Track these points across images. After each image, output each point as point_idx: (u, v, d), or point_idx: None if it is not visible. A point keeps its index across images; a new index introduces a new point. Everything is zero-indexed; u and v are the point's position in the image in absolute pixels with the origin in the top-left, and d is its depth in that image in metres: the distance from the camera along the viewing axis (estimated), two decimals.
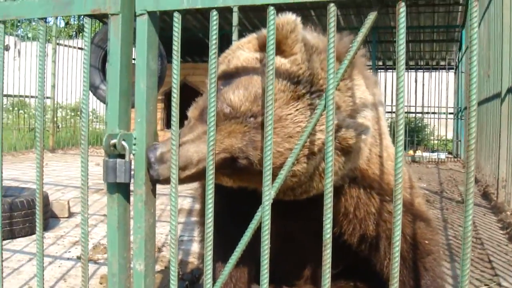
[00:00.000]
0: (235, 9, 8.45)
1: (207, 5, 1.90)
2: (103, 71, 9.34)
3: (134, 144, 2.01)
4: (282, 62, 2.30)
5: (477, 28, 1.65)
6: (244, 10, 14.87)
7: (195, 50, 20.17)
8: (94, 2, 2.06)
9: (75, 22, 34.72)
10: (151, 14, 2.01)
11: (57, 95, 17.89)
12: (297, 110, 2.24)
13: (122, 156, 2.00)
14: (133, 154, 2.01)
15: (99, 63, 9.41)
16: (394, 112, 19.48)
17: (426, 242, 2.92)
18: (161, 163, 2.05)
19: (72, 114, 22.14)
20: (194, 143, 2.18)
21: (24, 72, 17.29)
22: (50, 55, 17.02)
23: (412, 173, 3.13)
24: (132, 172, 2.03)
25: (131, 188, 2.08)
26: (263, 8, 1.83)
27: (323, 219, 1.79)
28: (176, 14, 1.97)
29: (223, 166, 2.25)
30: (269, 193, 1.84)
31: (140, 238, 2.05)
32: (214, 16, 1.90)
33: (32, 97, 18.13)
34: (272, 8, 1.82)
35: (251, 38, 2.58)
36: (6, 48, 15.64)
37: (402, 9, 1.70)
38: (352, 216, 2.80)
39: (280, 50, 2.29)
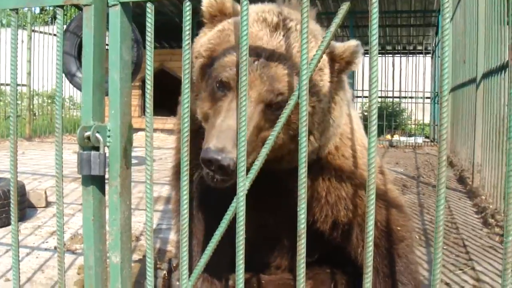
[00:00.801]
0: None
1: None
2: (79, 58, 9.25)
3: (109, 136, 2.00)
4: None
5: (449, 19, 1.66)
6: None
7: (172, 36, 20.05)
8: None
9: (51, 8, 34.32)
10: (123, 4, 2.00)
11: (33, 82, 17.64)
12: None
13: (96, 148, 1.98)
14: (108, 146, 2.01)
15: (75, 51, 9.32)
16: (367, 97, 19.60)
17: (399, 228, 2.94)
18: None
19: (49, 101, 21.89)
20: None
21: (0, 60, 17.07)
22: (26, 42, 16.80)
23: (382, 159, 3.16)
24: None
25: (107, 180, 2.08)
26: None
27: (298, 189, 1.79)
28: (149, 5, 1.95)
29: None
30: (243, 184, 1.85)
31: (115, 230, 2.05)
32: (188, 7, 1.89)
33: (7, 85, 17.90)
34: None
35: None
36: None
37: None
38: (324, 202, 2.83)
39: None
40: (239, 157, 1.83)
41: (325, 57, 2.43)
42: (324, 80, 2.44)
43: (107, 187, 2.07)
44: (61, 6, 2.10)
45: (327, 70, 2.47)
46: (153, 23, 1.97)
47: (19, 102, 19.84)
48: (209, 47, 2.46)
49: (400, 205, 3.03)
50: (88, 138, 1.96)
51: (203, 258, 1.97)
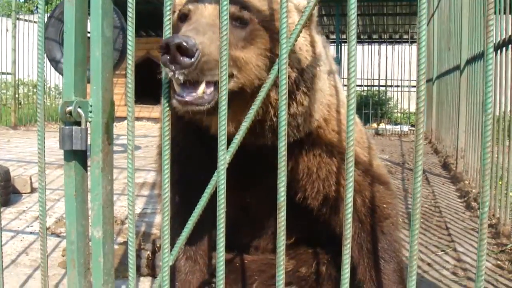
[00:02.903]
0: None
1: None
2: (63, 44, 9.20)
3: (90, 112, 2.01)
4: None
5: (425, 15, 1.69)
6: None
7: (158, 24, 19.90)
8: None
9: None
10: None
11: (18, 71, 17.53)
12: None
13: (78, 123, 2.00)
14: (89, 122, 2.02)
15: (59, 37, 9.26)
16: (360, 85, 19.72)
17: (385, 206, 2.93)
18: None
19: (34, 90, 21.74)
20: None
21: None
22: (10, 30, 16.68)
23: (370, 137, 3.16)
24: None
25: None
26: None
27: (277, 161, 1.81)
28: None
29: None
30: (224, 157, 1.87)
31: (98, 205, 2.07)
32: None
33: None
34: None
35: None
36: None
37: None
38: (316, 177, 2.81)
39: None
40: (220, 120, 1.85)
41: (294, 11, 2.45)
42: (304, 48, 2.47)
43: (89, 163, 2.09)
44: None
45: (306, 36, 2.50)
46: (134, 8, 1.96)
47: (4, 91, 19.74)
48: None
49: (387, 182, 3.02)
50: (70, 113, 1.97)
51: (184, 232, 1.99)
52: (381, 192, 2.94)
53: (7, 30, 16.46)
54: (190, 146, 2.85)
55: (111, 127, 2.07)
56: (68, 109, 1.97)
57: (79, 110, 1.97)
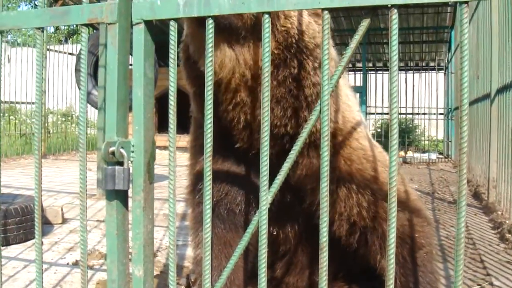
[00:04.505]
0: None
1: (203, 14, 1.93)
2: (94, 76, 9.36)
3: (132, 151, 2.04)
4: None
5: (467, 33, 1.69)
6: None
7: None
8: (91, 12, 2.09)
9: (65, 28, 34.65)
10: (147, 22, 2.04)
11: (48, 100, 17.82)
12: None
13: (120, 163, 2.02)
14: (131, 161, 2.04)
15: (90, 69, 9.44)
16: (387, 114, 19.67)
17: (417, 235, 2.85)
18: None
19: (63, 119, 22.07)
20: None
21: (14, 78, 17.25)
22: (42, 55, 16.95)
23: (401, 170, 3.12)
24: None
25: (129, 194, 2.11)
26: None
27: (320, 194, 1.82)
28: (172, 23, 2.00)
29: None
30: (266, 198, 1.87)
31: (138, 244, 2.08)
32: (210, 24, 1.93)
33: (22, 103, 18.10)
34: (267, 16, 1.86)
35: None
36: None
37: (394, 15, 1.74)
38: (336, 197, 2.77)
39: None
40: (262, 166, 1.86)
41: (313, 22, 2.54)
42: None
43: (130, 201, 2.10)
44: (86, 25, 2.15)
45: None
46: (176, 41, 2.01)
47: (33, 120, 20.06)
48: None
49: (418, 208, 2.95)
50: (113, 153, 1.99)
51: (225, 271, 1.99)
52: (412, 221, 2.85)
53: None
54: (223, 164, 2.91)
55: (152, 166, 2.09)
56: (111, 149, 1.99)
57: (121, 150, 2.00)
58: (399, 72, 19.98)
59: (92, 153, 17.03)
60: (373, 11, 1.83)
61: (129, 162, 2.03)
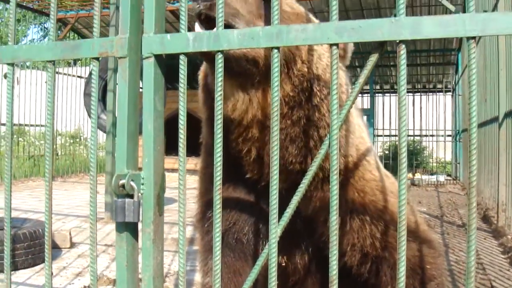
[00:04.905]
0: None
1: (212, 48, 1.95)
2: (103, 100, 9.42)
3: (142, 184, 2.05)
4: None
5: (475, 69, 1.70)
6: None
7: (193, 77, 20.25)
8: (101, 46, 2.11)
9: None
10: (157, 56, 2.06)
11: (56, 122, 17.92)
12: None
13: (130, 195, 2.03)
14: (141, 194, 2.05)
15: (99, 93, 9.50)
16: (395, 136, 19.67)
17: (428, 266, 2.82)
18: None
19: (71, 141, 22.18)
20: None
21: (23, 100, 17.39)
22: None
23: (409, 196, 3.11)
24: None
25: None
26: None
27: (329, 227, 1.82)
28: (182, 57, 2.02)
29: None
30: (275, 231, 1.88)
31: (148, 276, 2.08)
32: (220, 59, 1.95)
33: (31, 125, 18.21)
34: (276, 50, 1.88)
35: None
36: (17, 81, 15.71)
37: (402, 51, 1.76)
38: (349, 227, 2.76)
39: None
40: (271, 199, 1.87)
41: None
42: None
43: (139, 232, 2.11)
44: (96, 58, 2.17)
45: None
46: (185, 74, 2.03)
47: (42, 141, 20.17)
48: None
49: (429, 239, 2.92)
50: (123, 186, 2.01)
51: None
52: (423, 252, 2.83)
53: (45, 82, 16.88)
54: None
55: (162, 198, 2.10)
56: (121, 182, 2.01)
57: (132, 183, 2.01)
58: (407, 94, 20.14)
59: (100, 175, 17.09)
60: (381, 46, 1.85)
61: (139, 194, 2.04)
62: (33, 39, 42.39)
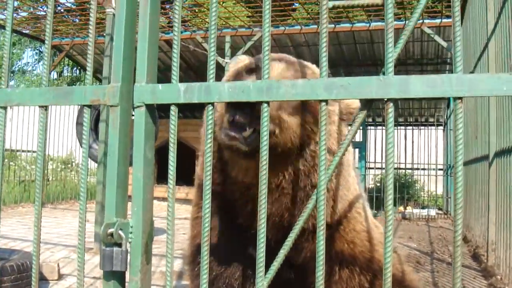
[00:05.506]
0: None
1: (204, 100, 1.98)
2: (95, 130, 9.44)
3: (131, 232, 2.05)
4: None
5: (462, 128, 1.73)
6: None
7: (185, 106, 20.29)
8: (94, 94, 2.13)
9: (68, 75, 35.03)
10: (148, 106, 2.08)
11: (48, 148, 17.87)
12: None
13: (118, 244, 2.03)
14: (129, 242, 2.05)
15: (92, 123, 9.52)
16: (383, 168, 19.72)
17: None
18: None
19: (63, 167, 22.08)
20: None
21: (16, 125, 17.37)
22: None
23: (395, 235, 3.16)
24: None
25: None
26: None
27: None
28: (173, 107, 2.04)
29: None
30: (262, 284, 1.88)
31: None
32: (210, 111, 1.97)
33: (23, 151, 18.16)
34: (265, 105, 1.90)
35: None
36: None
37: (390, 109, 1.79)
38: (338, 277, 2.80)
39: None
40: (258, 251, 1.88)
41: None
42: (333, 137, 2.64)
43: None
44: (88, 106, 2.19)
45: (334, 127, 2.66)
46: (176, 124, 2.05)
47: (33, 166, 20.07)
48: None
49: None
50: (111, 234, 2.01)
51: None
52: None
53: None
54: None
55: (150, 247, 2.10)
56: (110, 231, 2.01)
57: (120, 232, 2.01)
58: (399, 127, 20.30)
59: (91, 202, 17.01)
60: (370, 103, 1.88)
61: (128, 243, 2.04)
62: (28, 63, 42.53)
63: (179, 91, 2.01)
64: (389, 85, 1.77)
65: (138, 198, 2.07)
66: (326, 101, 1.84)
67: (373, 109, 20.12)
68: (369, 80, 1.79)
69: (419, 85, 1.75)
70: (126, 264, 2.04)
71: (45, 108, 2.29)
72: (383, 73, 1.79)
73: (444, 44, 12.70)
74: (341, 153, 1.89)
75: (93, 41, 2.24)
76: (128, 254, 2.06)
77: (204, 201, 1.95)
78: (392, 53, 1.78)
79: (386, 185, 1.77)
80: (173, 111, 2.04)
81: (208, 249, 1.95)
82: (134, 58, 2.15)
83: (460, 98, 1.72)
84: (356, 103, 2.76)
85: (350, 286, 2.79)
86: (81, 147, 9.17)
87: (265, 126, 1.89)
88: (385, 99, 1.78)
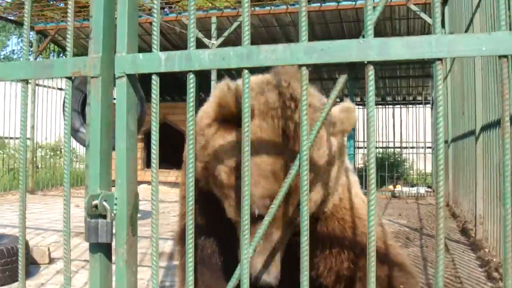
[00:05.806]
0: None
1: (184, 69, 1.96)
2: (82, 114, 9.39)
3: (115, 204, 2.05)
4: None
5: (442, 90, 1.73)
6: None
7: (174, 89, 20.29)
8: (74, 65, 2.12)
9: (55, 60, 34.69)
10: (130, 76, 2.07)
11: (37, 135, 17.76)
12: None
13: (103, 216, 2.03)
14: (114, 214, 2.05)
15: (78, 106, 9.46)
16: (378, 148, 19.78)
17: (402, 286, 2.90)
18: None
19: (52, 154, 21.94)
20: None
21: (3, 112, 17.25)
22: (30, 96, 16.96)
23: (383, 212, 3.22)
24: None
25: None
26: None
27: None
28: (154, 77, 2.03)
29: None
30: (247, 251, 1.89)
31: None
32: (191, 79, 1.96)
33: (10, 138, 18.05)
34: (246, 71, 1.89)
35: (211, 110, 2.69)
36: None
37: (370, 72, 1.78)
38: (328, 252, 2.86)
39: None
40: (243, 224, 1.88)
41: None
42: (322, 152, 2.56)
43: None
44: (69, 78, 2.17)
45: (324, 142, 2.60)
46: (158, 94, 2.04)
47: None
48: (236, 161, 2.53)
49: (401, 262, 2.99)
50: (96, 206, 2.00)
51: None
52: (395, 272, 2.91)
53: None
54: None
55: (135, 218, 2.10)
56: (94, 202, 2.00)
57: (104, 203, 2.01)
58: (387, 106, 20.34)
59: (80, 188, 16.97)
60: (350, 68, 1.87)
61: (112, 214, 2.04)
62: (13, 50, 42.15)
63: (160, 60, 2.00)
64: (369, 47, 1.76)
65: (121, 170, 2.07)
66: (306, 65, 1.83)
67: (361, 88, 20.17)
68: (349, 43, 1.79)
69: (399, 47, 1.75)
70: (112, 236, 2.04)
71: (26, 82, 2.27)
72: (363, 37, 1.79)
73: (430, 21, 12.69)
74: (324, 116, 1.88)
75: (72, 13, 2.22)
76: (114, 227, 2.06)
77: (188, 180, 1.95)
78: (371, 16, 1.78)
79: (368, 148, 1.77)
80: (155, 80, 2.03)
81: (193, 222, 1.95)
82: (115, 32, 2.14)
83: (440, 59, 1.72)
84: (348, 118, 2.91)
85: (338, 260, 2.84)
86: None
87: (246, 92, 1.88)
88: (366, 62, 1.77)
